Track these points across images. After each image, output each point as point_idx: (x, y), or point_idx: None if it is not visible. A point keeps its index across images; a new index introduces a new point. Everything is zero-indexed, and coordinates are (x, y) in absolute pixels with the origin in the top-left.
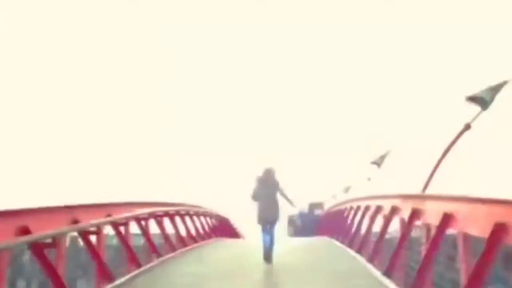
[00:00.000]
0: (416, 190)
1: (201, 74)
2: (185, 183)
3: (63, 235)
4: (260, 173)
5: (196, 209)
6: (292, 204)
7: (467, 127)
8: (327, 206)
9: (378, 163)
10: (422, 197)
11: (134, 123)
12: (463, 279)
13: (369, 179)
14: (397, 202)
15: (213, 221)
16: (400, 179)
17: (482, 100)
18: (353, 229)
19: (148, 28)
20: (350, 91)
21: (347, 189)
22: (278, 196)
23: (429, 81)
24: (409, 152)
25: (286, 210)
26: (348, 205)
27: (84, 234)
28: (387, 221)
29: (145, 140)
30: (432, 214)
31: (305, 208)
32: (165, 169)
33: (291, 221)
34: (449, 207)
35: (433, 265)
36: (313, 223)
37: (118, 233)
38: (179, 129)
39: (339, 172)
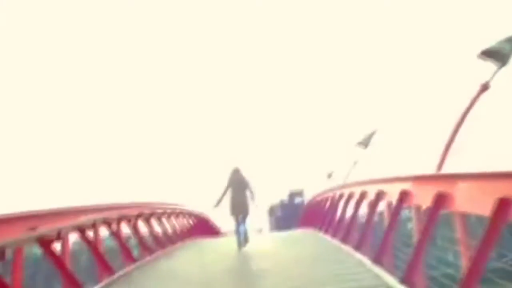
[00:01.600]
0: (410, 170)
1: (176, 69)
2: (163, 181)
3: (66, 230)
4: (229, 173)
5: (172, 208)
6: (253, 200)
7: (485, 87)
8: (309, 194)
9: (364, 143)
10: (411, 179)
11: (109, 122)
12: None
13: (355, 162)
14: (383, 186)
15: (191, 220)
16: (391, 160)
17: (498, 54)
18: (337, 218)
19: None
20: (329, 65)
21: (330, 175)
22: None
23: (424, 40)
24: (399, 129)
25: (266, 200)
26: (331, 193)
27: (82, 230)
28: (373, 207)
29: (123, 141)
30: (424, 195)
31: (285, 197)
32: (143, 168)
33: (271, 211)
34: (442, 186)
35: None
36: (294, 212)
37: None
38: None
39: (321, 157)
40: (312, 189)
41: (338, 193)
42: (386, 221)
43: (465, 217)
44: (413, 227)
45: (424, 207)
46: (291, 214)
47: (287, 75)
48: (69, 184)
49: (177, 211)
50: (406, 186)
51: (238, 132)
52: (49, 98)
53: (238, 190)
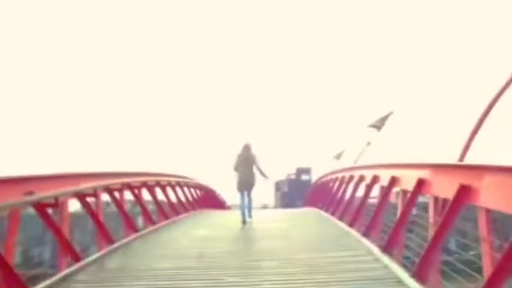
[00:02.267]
0: (428, 157)
1: (194, 46)
2: (171, 155)
3: (64, 196)
4: (239, 148)
5: (181, 180)
6: (264, 175)
7: None
8: (316, 172)
9: (378, 126)
10: (399, 166)
11: (123, 96)
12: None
13: (369, 143)
14: (397, 172)
15: (199, 192)
16: (405, 144)
17: None
18: (337, 198)
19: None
20: (345, 46)
21: (339, 156)
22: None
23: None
24: (416, 112)
25: (273, 176)
26: (340, 174)
27: (82, 196)
28: (386, 192)
29: (139, 115)
30: (408, 180)
31: (292, 173)
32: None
33: (278, 187)
34: (422, 173)
35: (406, 225)
36: (300, 189)
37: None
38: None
39: (331, 137)
40: (319, 168)
41: (348, 174)
42: (398, 209)
43: (489, 213)
44: (429, 218)
45: (442, 197)
46: (297, 191)
47: (300, 52)
48: (75, 151)
49: (182, 182)
50: (424, 173)
51: (249, 107)
52: (56, 62)
53: (246, 166)
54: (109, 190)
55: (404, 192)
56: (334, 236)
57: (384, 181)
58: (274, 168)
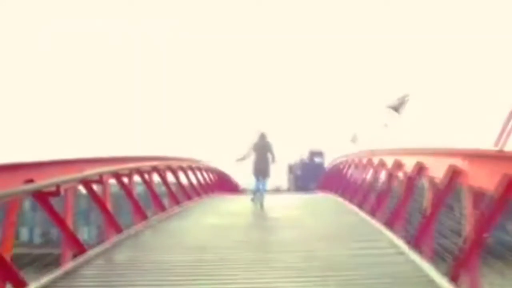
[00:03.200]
0: (444, 140)
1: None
2: (184, 138)
3: (66, 183)
4: (255, 136)
5: (193, 164)
6: (274, 161)
7: None
8: (330, 155)
9: (396, 108)
10: (427, 152)
11: (135, 83)
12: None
13: (386, 125)
14: (401, 157)
15: (211, 175)
16: (422, 128)
17: None
18: (355, 184)
19: None
20: (361, 26)
21: (355, 138)
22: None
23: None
24: (435, 95)
25: (286, 158)
26: (350, 159)
27: (87, 183)
28: (411, 180)
29: (148, 100)
30: (438, 168)
31: (305, 156)
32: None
33: (291, 169)
34: (456, 162)
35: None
36: (313, 172)
37: (121, 184)
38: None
39: (345, 119)
40: (333, 150)
41: (365, 159)
42: (427, 199)
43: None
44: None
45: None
46: (311, 174)
47: (314, 33)
48: (82, 137)
49: (194, 166)
50: (459, 162)
51: (262, 90)
52: (61, 48)
53: (261, 154)
54: (117, 175)
55: (432, 181)
56: (354, 226)
57: (408, 168)
58: (287, 150)
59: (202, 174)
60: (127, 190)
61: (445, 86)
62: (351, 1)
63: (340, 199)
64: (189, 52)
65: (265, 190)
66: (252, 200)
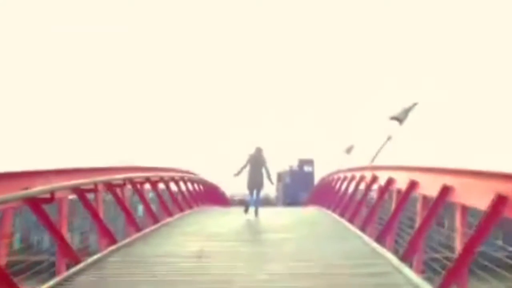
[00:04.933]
0: (450, 153)
1: (199, 44)
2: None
3: (59, 190)
4: (252, 150)
5: (185, 175)
6: (270, 180)
7: None
8: (320, 164)
9: (400, 118)
10: (419, 169)
11: (131, 93)
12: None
13: (389, 138)
14: (394, 173)
15: (202, 187)
16: (430, 139)
17: None
18: (348, 201)
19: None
20: (356, 32)
21: (349, 149)
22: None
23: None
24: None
25: (275, 167)
26: (343, 174)
27: (81, 192)
28: (382, 192)
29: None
30: (430, 185)
31: (294, 164)
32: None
33: (280, 178)
34: (447, 179)
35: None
36: (302, 180)
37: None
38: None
39: (337, 128)
40: (323, 160)
41: (359, 174)
42: (419, 216)
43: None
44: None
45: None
46: (300, 182)
47: (305, 40)
48: (77, 147)
49: (186, 178)
50: (449, 180)
51: (252, 98)
52: (59, 58)
53: (256, 168)
54: (110, 185)
55: (425, 198)
56: (362, 256)
57: (400, 184)
58: (277, 158)
59: (193, 186)
60: (119, 200)
61: (449, 97)
62: (348, 8)
63: (337, 217)
64: (180, 61)
65: (259, 201)
66: (245, 211)
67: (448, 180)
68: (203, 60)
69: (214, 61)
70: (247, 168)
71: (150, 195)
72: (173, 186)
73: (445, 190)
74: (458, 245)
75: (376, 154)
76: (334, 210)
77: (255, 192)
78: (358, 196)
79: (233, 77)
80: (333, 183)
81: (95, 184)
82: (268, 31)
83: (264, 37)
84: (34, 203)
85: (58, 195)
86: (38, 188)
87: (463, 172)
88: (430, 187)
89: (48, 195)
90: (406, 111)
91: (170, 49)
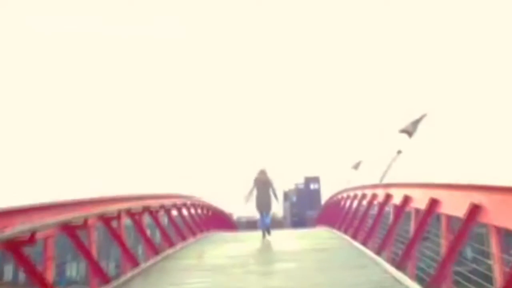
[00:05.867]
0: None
1: (194, 66)
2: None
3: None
4: (256, 173)
5: (195, 201)
6: (277, 200)
7: None
8: (327, 182)
9: (409, 131)
10: (440, 186)
11: (130, 120)
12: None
13: (399, 152)
14: (409, 191)
15: (206, 212)
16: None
17: None
18: (362, 221)
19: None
20: (359, 46)
21: (357, 165)
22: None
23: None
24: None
25: (281, 186)
26: (352, 193)
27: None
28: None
29: (142, 138)
30: (455, 204)
31: (300, 182)
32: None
33: (286, 196)
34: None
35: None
36: (309, 198)
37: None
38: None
39: (342, 144)
40: (329, 177)
41: (370, 192)
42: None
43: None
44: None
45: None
46: (306, 200)
47: (309, 55)
48: (91, 177)
49: (189, 203)
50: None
51: (256, 116)
52: (65, 85)
53: (263, 189)
54: (130, 213)
55: (448, 218)
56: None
57: (418, 203)
58: (282, 177)
59: (202, 211)
60: (139, 226)
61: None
62: (352, 21)
63: (350, 239)
64: (183, 78)
65: (270, 222)
66: (264, 237)
67: (477, 198)
68: (207, 77)
69: (219, 78)
70: (254, 191)
71: (150, 223)
72: (175, 213)
73: (474, 210)
74: (498, 276)
75: (387, 170)
76: (345, 231)
77: (264, 213)
78: (370, 215)
79: (237, 93)
80: (343, 202)
81: (85, 219)
82: (273, 47)
83: (269, 51)
84: (70, 229)
85: (40, 235)
86: (72, 215)
87: (494, 189)
88: (455, 206)
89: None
90: (415, 123)
91: (173, 67)
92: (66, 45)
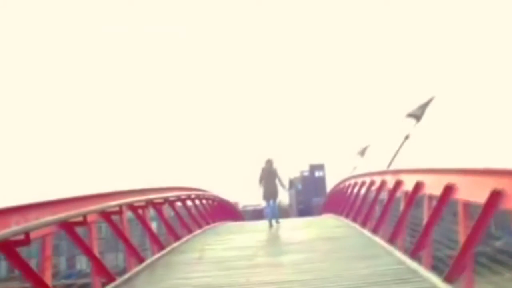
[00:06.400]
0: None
1: (199, 61)
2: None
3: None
4: (263, 163)
5: (200, 193)
6: (284, 188)
7: None
8: (332, 169)
9: (417, 115)
10: (456, 171)
11: (139, 114)
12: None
13: (407, 137)
14: (421, 177)
15: (212, 203)
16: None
17: None
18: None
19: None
20: (362, 32)
21: (363, 152)
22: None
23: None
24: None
25: (287, 174)
26: (360, 179)
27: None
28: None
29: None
30: (473, 190)
31: (305, 170)
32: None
33: (292, 184)
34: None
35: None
36: (314, 185)
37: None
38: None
39: (346, 130)
40: (333, 164)
41: (379, 179)
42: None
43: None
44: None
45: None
46: (312, 188)
47: (312, 42)
48: (95, 169)
49: (201, 196)
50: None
51: (261, 105)
52: (71, 81)
53: (269, 179)
54: (133, 207)
55: (465, 205)
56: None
57: (431, 189)
58: (287, 164)
59: (208, 203)
60: (143, 221)
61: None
62: (358, 7)
63: (359, 228)
64: (186, 70)
65: (276, 209)
66: (270, 226)
67: (498, 183)
68: (210, 69)
69: (222, 69)
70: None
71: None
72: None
73: (495, 196)
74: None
75: (395, 155)
76: (354, 220)
77: (271, 201)
78: (379, 202)
79: (241, 82)
80: (350, 189)
81: (85, 215)
82: (276, 35)
83: (271, 41)
84: (68, 226)
85: (34, 234)
86: (72, 212)
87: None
88: (474, 192)
89: (81, 218)
90: (423, 107)
91: (176, 63)
92: (66, 43)
